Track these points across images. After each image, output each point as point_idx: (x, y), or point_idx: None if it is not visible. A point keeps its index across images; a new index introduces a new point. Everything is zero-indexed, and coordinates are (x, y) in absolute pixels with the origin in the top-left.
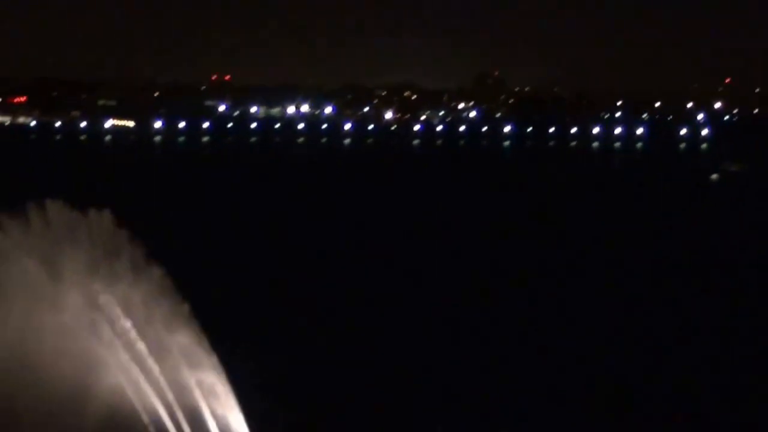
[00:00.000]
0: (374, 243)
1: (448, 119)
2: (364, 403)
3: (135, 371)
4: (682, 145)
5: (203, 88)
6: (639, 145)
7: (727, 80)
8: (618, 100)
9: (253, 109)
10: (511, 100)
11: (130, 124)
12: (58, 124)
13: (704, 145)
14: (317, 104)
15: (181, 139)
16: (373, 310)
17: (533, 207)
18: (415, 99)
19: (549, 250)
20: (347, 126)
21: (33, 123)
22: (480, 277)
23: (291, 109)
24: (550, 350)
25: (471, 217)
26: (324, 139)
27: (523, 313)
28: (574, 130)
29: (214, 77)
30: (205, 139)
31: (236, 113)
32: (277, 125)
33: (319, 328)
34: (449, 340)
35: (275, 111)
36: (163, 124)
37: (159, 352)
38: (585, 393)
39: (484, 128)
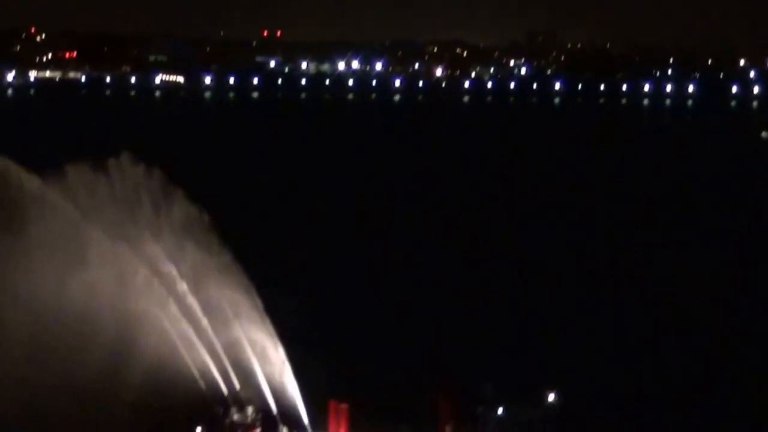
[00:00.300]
0: (424, 199)
1: (499, 76)
2: (398, 353)
3: (185, 324)
4: (733, 103)
5: (254, 43)
6: (689, 102)
7: None
8: (669, 58)
9: (303, 65)
10: (562, 57)
11: (180, 79)
12: (108, 79)
13: (755, 103)
14: (367, 61)
15: (231, 95)
16: (420, 262)
17: (580, 166)
18: (465, 55)
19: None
20: (397, 82)
21: (83, 78)
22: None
23: (341, 66)
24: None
25: (519, 171)
26: (374, 95)
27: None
28: (624, 87)
29: (264, 33)
30: (255, 95)
31: (286, 69)
32: (327, 81)
33: (365, 283)
34: (504, 299)
35: (325, 67)
36: (212, 79)
37: (209, 306)
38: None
39: (535, 85)
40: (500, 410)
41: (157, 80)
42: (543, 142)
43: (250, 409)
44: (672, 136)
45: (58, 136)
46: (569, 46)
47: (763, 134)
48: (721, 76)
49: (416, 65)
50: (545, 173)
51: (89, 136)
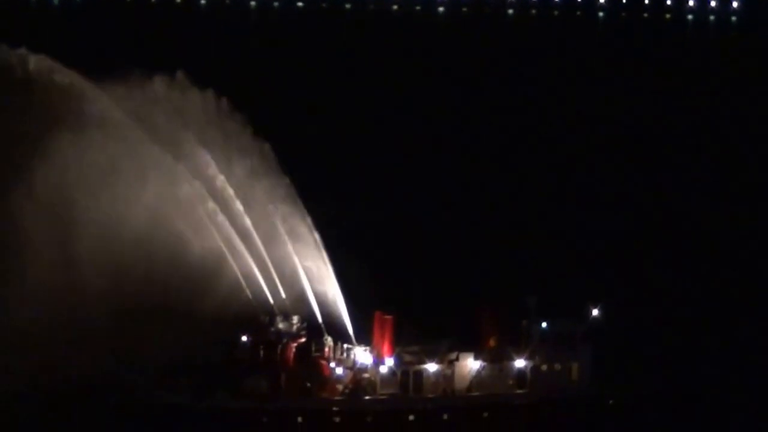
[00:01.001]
0: (467, 116)
1: None
2: (444, 266)
3: (234, 237)
4: None
5: None
6: (734, 19)
7: None
8: None
9: None
10: None
11: None
12: None
13: None
14: None
15: (276, 4)
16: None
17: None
18: None
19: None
20: None
21: None
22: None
23: None
24: None
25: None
26: (418, 8)
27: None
28: (669, 1)
29: None
30: (300, 4)
31: None
32: None
33: (414, 198)
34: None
35: None
36: None
37: (259, 220)
38: None
39: None
40: (543, 324)
41: None
42: (586, 58)
43: (295, 319)
44: (716, 51)
45: (110, 48)
46: None
47: None
48: None
49: None
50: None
51: (138, 49)
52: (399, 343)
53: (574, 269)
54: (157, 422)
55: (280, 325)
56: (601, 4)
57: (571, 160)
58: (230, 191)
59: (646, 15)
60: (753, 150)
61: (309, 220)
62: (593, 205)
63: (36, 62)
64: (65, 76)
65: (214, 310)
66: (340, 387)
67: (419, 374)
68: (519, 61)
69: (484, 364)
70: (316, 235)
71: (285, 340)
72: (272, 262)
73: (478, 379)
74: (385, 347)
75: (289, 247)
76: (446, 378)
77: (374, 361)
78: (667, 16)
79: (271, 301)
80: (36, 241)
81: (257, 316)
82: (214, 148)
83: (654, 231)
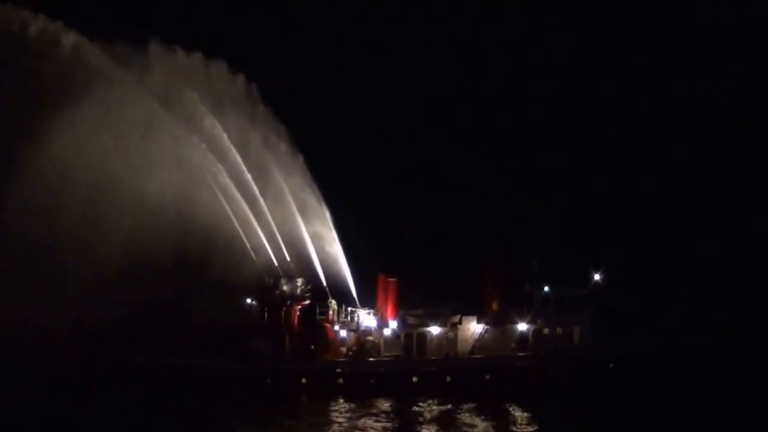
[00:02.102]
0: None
1: None
2: (447, 229)
3: (245, 207)
4: None
5: None
6: None
7: None
8: None
9: None
10: None
11: None
12: None
13: None
14: None
15: None
16: None
17: None
18: None
19: None
20: None
21: None
22: None
23: None
24: None
25: None
26: None
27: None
28: None
29: None
30: None
31: None
32: None
33: (416, 162)
34: None
35: None
36: None
37: (266, 185)
38: None
39: None
40: (545, 288)
41: None
42: None
43: (299, 281)
44: None
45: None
46: None
47: None
48: None
49: None
50: None
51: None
52: (402, 306)
53: (575, 233)
54: (160, 383)
55: (285, 288)
56: None
57: (574, 120)
58: (239, 159)
59: None
60: None
61: (315, 186)
62: (597, 166)
63: (71, 38)
64: (92, 54)
65: (215, 271)
66: (344, 349)
67: (422, 337)
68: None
69: (486, 327)
70: (321, 200)
71: (289, 303)
72: (278, 228)
73: (480, 341)
74: (389, 310)
75: (294, 210)
76: (449, 341)
77: (378, 323)
78: None
79: (276, 264)
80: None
81: (262, 279)
82: (227, 119)
83: (655, 194)
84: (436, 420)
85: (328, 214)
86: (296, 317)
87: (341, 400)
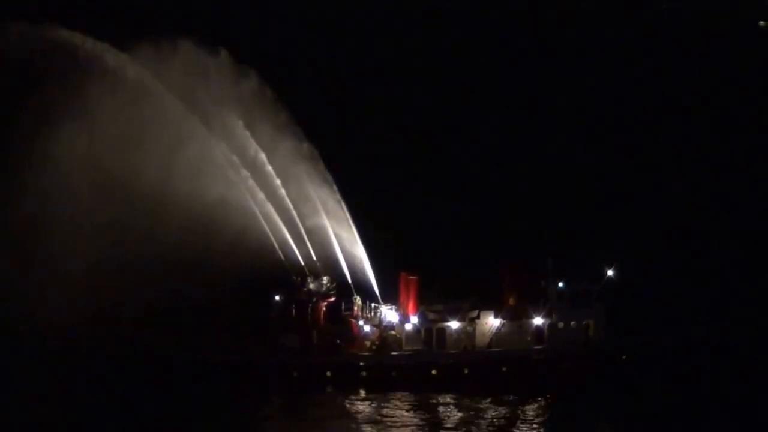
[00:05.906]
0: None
1: None
2: (466, 228)
3: (268, 202)
4: None
5: None
6: None
7: None
8: None
9: None
10: None
11: None
12: None
13: None
14: None
15: None
16: None
17: None
18: None
19: None
20: None
21: None
22: None
23: None
24: None
25: None
26: None
27: None
28: None
29: None
30: None
31: None
32: None
33: (437, 157)
34: None
35: None
36: None
37: (285, 176)
38: None
39: None
40: (560, 283)
41: None
42: None
43: (325, 279)
44: None
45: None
46: None
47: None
48: None
49: None
50: None
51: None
52: (423, 302)
53: (590, 230)
54: (191, 376)
55: (311, 286)
56: None
57: (594, 119)
58: (265, 161)
59: None
60: None
61: (335, 187)
62: (613, 165)
63: (91, 45)
64: (115, 58)
65: (244, 270)
66: (367, 343)
67: (442, 331)
68: None
69: (503, 321)
70: (343, 203)
71: (316, 300)
72: (304, 227)
73: (497, 335)
74: (410, 306)
75: (321, 213)
76: (468, 334)
77: (400, 319)
78: None
79: (303, 263)
80: (83, 203)
81: (290, 277)
82: (253, 123)
83: (669, 191)
84: (454, 410)
85: (348, 213)
86: (322, 313)
87: (364, 392)
